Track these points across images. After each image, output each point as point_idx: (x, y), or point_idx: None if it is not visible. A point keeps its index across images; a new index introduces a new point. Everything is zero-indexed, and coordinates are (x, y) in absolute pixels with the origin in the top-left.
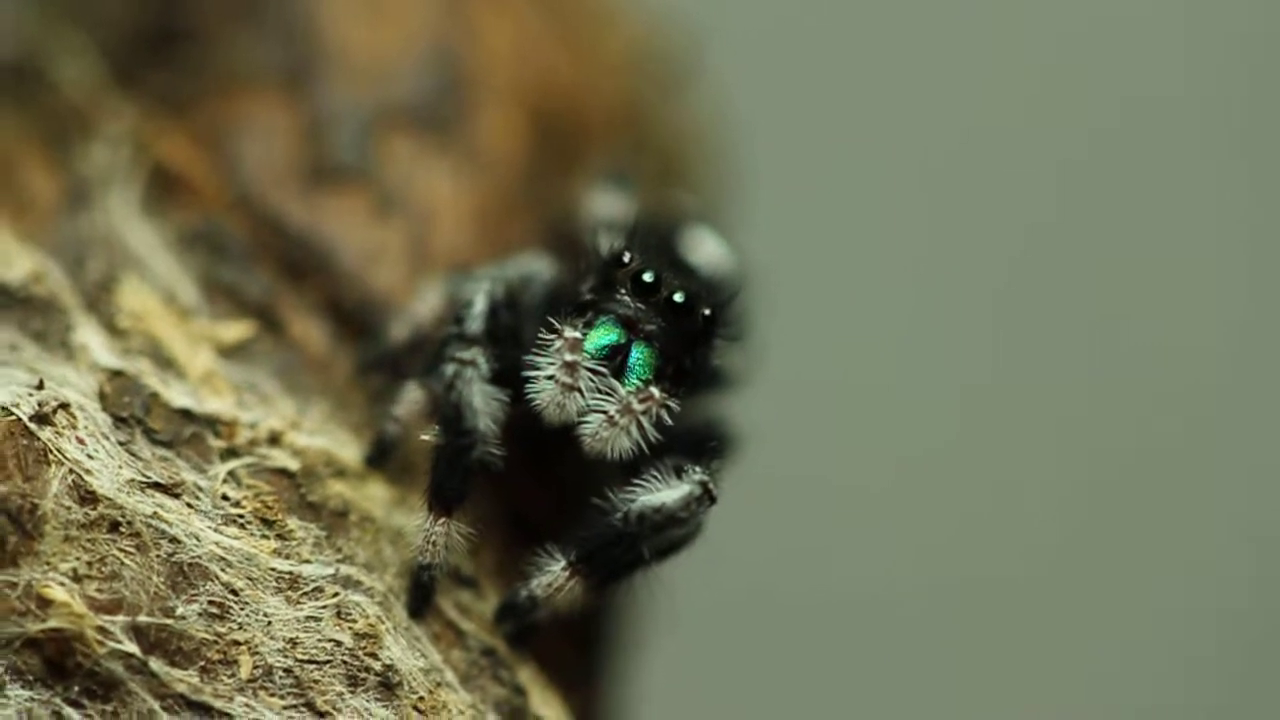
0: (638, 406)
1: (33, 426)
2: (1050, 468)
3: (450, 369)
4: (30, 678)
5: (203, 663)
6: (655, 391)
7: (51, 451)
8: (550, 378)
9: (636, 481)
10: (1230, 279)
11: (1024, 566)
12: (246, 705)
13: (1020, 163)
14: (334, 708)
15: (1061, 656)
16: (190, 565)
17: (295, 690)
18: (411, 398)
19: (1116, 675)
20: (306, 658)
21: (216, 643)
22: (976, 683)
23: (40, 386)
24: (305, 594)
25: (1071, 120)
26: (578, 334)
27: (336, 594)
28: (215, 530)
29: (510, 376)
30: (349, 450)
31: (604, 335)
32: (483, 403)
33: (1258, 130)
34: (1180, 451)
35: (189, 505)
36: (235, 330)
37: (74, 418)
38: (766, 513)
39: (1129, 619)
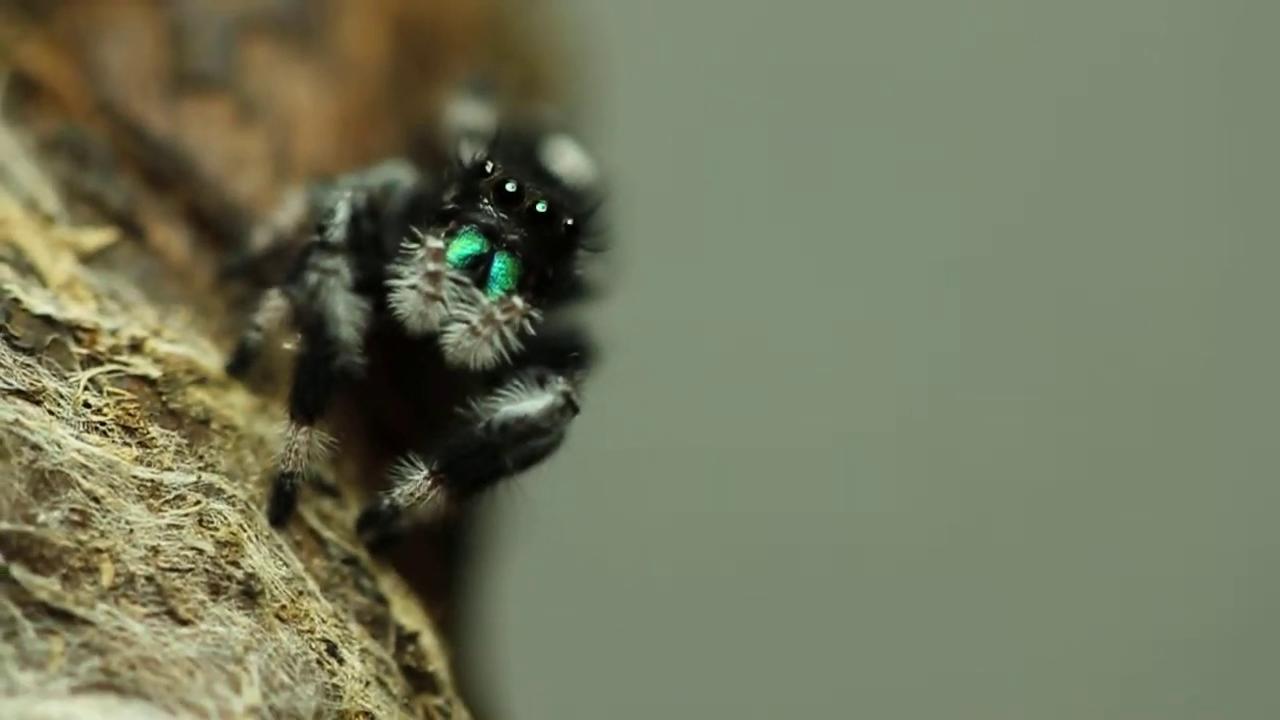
0: (500, 316)
1: None
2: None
3: (313, 277)
4: None
5: (64, 570)
6: (518, 301)
7: None
8: (413, 287)
9: (499, 391)
10: (1201, 235)
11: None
12: (108, 613)
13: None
14: (196, 615)
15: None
16: (52, 472)
17: (157, 598)
18: (273, 306)
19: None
20: (168, 565)
21: (78, 550)
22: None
23: None
24: (167, 502)
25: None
26: (440, 243)
27: (198, 502)
28: (77, 437)
29: (373, 286)
30: (210, 358)
31: (466, 245)
32: (345, 311)
33: (1230, 99)
34: (1149, 421)
35: (50, 412)
36: (96, 237)
37: None
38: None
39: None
